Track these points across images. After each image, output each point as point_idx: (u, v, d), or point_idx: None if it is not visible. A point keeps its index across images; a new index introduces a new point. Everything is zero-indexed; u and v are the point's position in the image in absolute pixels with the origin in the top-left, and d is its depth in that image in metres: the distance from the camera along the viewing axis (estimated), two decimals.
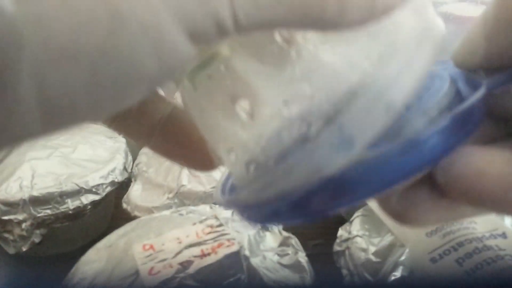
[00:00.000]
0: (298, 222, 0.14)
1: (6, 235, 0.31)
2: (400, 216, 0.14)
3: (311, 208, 0.13)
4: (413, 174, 0.11)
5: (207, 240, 0.24)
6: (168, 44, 0.09)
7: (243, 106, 0.13)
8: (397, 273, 0.22)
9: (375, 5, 0.11)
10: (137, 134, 0.15)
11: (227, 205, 0.15)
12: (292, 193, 0.12)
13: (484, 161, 0.11)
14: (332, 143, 0.11)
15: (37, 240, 0.31)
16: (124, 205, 0.32)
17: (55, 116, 0.08)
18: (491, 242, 0.22)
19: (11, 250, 0.31)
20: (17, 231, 0.31)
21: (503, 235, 0.23)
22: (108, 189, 0.33)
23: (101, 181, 0.33)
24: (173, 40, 0.09)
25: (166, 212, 0.29)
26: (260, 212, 0.14)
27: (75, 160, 0.33)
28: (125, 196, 0.33)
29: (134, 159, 0.37)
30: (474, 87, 0.13)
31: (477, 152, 0.12)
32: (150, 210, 0.31)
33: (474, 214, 0.13)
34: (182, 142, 0.15)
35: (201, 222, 0.26)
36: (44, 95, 0.08)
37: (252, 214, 0.14)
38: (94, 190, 0.32)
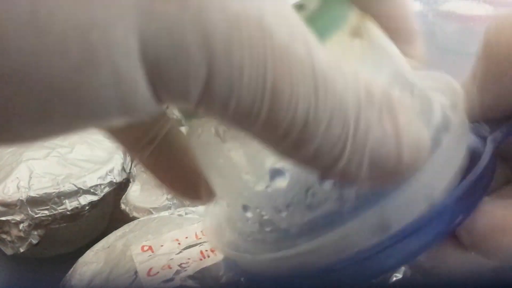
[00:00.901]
0: None
1: (3, 236, 0.31)
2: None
3: (331, 284, 0.13)
4: (436, 242, 0.12)
5: (206, 241, 0.24)
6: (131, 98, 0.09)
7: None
8: (399, 274, 0.22)
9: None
10: (128, 144, 0.14)
11: (230, 257, 0.14)
12: (314, 268, 0.12)
13: (506, 219, 0.12)
14: (370, 226, 0.11)
15: (34, 241, 0.31)
16: (123, 206, 0.32)
17: None
18: None
19: (8, 251, 0.31)
20: (14, 232, 0.31)
21: None
22: (106, 189, 0.33)
23: (99, 181, 0.32)
24: (138, 94, 0.09)
25: (165, 213, 0.29)
26: (271, 280, 0.14)
27: (73, 160, 0.33)
28: (123, 197, 0.33)
29: (132, 160, 0.37)
30: (481, 138, 0.14)
31: (498, 210, 0.12)
32: (148, 211, 0.31)
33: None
34: (174, 166, 0.14)
35: (200, 223, 0.26)
36: None
37: (257, 278, 0.14)
38: (92, 190, 0.32)
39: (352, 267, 0.12)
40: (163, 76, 0.09)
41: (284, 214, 0.13)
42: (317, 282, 0.13)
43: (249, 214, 0.14)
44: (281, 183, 0.13)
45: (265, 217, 0.13)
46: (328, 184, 0.12)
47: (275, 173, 0.12)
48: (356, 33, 0.12)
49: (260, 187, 0.13)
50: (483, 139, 0.13)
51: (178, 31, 0.08)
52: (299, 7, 0.12)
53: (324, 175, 0.11)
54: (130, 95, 0.08)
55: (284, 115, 0.09)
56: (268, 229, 0.13)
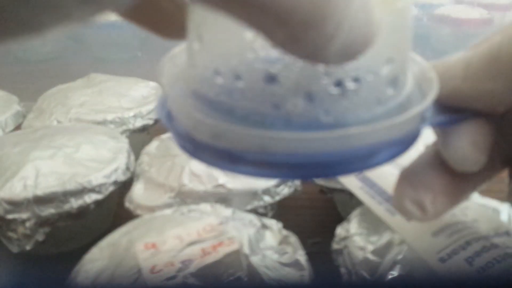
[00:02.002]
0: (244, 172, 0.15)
1: (10, 234, 0.31)
2: (417, 208, 0.16)
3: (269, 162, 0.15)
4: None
5: (207, 239, 0.24)
6: None
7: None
8: (395, 272, 0.23)
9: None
10: None
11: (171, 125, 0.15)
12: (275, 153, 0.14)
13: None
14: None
15: (40, 238, 0.31)
16: (127, 204, 0.33)
17: None
18: (497, 240, 0.22)
19: (15, 249, 0.31)
20: (21, 230, 0.31)
21: (507, 234, 0.23)
22: (111, 188, 0.33)
23: (104, 180, 0.33)
24: None
25: (168, 211, 0.29)
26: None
27: (78, 160, 0.34)
28: (127, 195, 0.33)
29: (136, 159, 0.37)
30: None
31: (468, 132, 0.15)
32: (152, 209, 0.31)
33: (472, 190, 0.17)
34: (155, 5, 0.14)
35: (201, 220, 0.26)
36: None
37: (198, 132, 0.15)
38: (97, 189, 0.32)
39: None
40: None
41: (265, 87, 0.14)
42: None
43: (219, 80, 0.15)
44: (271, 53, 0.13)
45: (240, 86, 0.14)
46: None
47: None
48: None
49: (250, 54, 0.14)
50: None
51: None
52: None
53: (306, 58, 0.11)
54: None
55: None
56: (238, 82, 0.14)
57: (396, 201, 0.17)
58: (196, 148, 0.16)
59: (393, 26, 0.15)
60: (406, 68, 0.16)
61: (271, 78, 0.14)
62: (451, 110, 0.16)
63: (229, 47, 0.15)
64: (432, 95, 0.16)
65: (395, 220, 0.25)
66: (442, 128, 0.17)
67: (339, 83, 0.14)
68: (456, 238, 0.22)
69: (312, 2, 0.09)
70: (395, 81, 0.15)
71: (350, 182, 0.29)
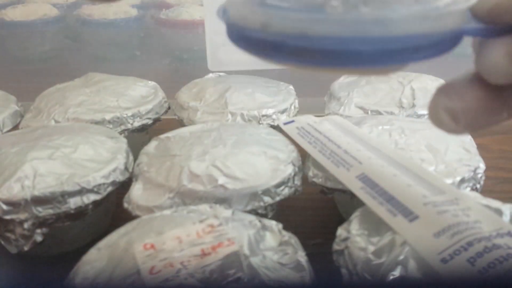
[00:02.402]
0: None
1: (8, 234, 0.31)
2: (450, 117, 0.17)
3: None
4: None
5: (207, 240, 0.24)
6: None
7: None
8: (396, 273, 0.23)
9: None
10: None
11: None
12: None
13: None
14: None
15: (38, 239, 0.31)
16: (125, 205, 0.33)
17: None
18: (499, 241, 0.22)
19: (13, 250, 0.31)
20: (18, 230, 0.31)
21: (509, 234, 0.23)
22: (110, 188, 0.33)
23: (103, 180, 0.33)
24: None
25: (167, 212, 0.29)
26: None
27: (77, 160, 0.34)
28: (126, 196, 0.33)
29: (135, 159, 0.37)
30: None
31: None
32: (151, 210, 0.31)
33: (506, 111, 0.18)
34: None
35: (201, 221, 0.26)
36: None
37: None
38: (95, 189, 0.32)
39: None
40: None
41: None
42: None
43: None
44: None
45: None
46: None
47: None
48: None
49: None
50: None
51: None
52: None
53: None
54: None
55: None
56: None
57: (430, 110, 0.18)
58: (247, 39, 0.18)
59: None
60: None
61: None
62: (492, 24, 0.17)
63: None
64: (470, 1, 0.17)
65: (397, 220, 0.25)
66: (479, 40, 0.18)
67: None
68: (458, 238, 0.22)
69: None
70: None
71: (351, 182, 0.29)
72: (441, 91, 0.18)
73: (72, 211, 0.31)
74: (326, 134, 0.36)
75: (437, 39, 0.17)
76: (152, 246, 0.24)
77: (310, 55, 0.17)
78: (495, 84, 0.17)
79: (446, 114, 0.17)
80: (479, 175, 0.33)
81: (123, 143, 0.38)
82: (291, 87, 0.50)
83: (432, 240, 0.23)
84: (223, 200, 0.31)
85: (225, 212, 0.28)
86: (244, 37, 0.19)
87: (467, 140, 0.36)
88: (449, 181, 0.31)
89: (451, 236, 0.23)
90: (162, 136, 0.39)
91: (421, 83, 0.47)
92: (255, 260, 0.23)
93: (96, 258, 0.25)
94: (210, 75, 0.54)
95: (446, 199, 0.26)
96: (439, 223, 0.24)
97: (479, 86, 0.17)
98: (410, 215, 0.25)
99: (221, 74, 0.53)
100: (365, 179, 0.29)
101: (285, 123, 0.39)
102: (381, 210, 0.26)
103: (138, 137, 0.46)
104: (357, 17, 0.16)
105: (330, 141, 0.34)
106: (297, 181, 0.34)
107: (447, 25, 0.17)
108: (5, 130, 0.44)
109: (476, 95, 0.17)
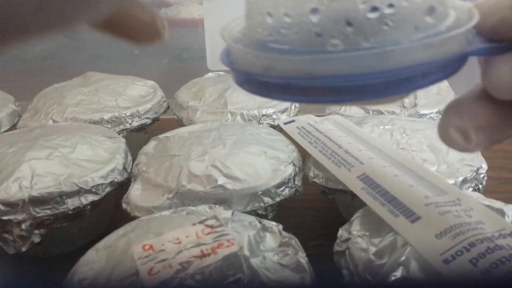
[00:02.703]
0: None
1: (5, 235, 0.31)
2: (461, 136, 0.17)
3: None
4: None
5: (207, 241, 0.24)
6: None
7: None
8: (397, 273, 0.22)
9: None
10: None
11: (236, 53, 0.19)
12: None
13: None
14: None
15: (36, 240, 0.31)
16: (124, 206, 0.32)
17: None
18: (501, 242, 0.22)
19: (10, 251, 0.31)
20: (16, 231, 0.31)
21: (511, 235, 0.23)
22: (108, 189, 0.33)
23: (101, 181, 0.32)
24: None
25: (166, 213, 0.29)
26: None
27: (75, 160, 0.33)
28: (124, 197, 0.33)
29: (133, 159, 0.37)
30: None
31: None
32: (149, 211, 0.31)
33: None
34: (126, 17, 0.16)
35: (200, 222, 0.26)
36: None
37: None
38: (93, 190, 0.32)
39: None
40: None
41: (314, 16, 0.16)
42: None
43: (270, 20, 0.17)
44: None
45: (287, 20, 0.17)
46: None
47: None
48: None
49: None
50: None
51: None
52: None
53: None
54: None
55: None
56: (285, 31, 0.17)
57: (440, 129, 0.18)
58: (251, 82, 0.19)
59: None
60: (443, 1, 0.18)
61: (314, 10, 0.17)
62: (496, 41, 0.17)
63: None
64: (472, 21, 0.17)
65: (398, 221, 0.24)
66: (485, 58, 0.18)
67: (375, 9, 0.16)
68: (460, 239, 0.22)
69: None
70: (431, 10, 0.17)
71: (352, 183, 0.29)
72: (451, 110, 0.18)
73: (70, 212, 0.31)
74: (326, 134, 0.35)
75: (442, 64, 0.17)
76: (151, 247, 0.24)
77: (315, 93, 0.17)
78: (503, 100, 0.17)
79: (457, 133, 0.17)
80: (481, 176, 0.33)
81: (121, 143, 0.37)
82: None
83: (434, 241, 0.22)
84: (223, 201, 0.30)
85: (224, 213, 0.28)
86: (249, 81, 0.19)
87: None
88: (451, 181, 0.31)
89: (453, 237, 0.22)
90: (161, 136, 0.39)
91: None
92: (255, 261, 0.23)
93: (95, 259, 0.25)
94: (210, 74, 0.53)
95: (448, 199, 0.26)
96: (441, 223, 0.23)
97: (488, 103, 0.17)
98: (412, 215, 0.24)
99: (220, 73, 0.53)
100: (367, 180, 0.28)
101: (286, 123, 0.39)
102: (382, 211, 0.25)
103: (137, 137, 0.45)
104: (359, 54, 0.16)
105: (331, 141, 0.34)
106: (298, 182, 0.34)
107: (451, 49, 0.17)
108: (2, 130, 0.44)
109: (486, 113, 0.17)
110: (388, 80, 0.16)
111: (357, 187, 0.28)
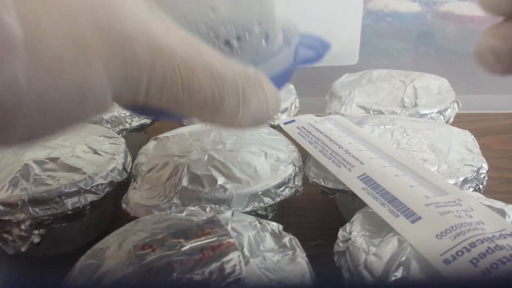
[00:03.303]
0: None
1: (5, 235, 0.31)
2: (493, 56, 0.19)
3: None
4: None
5: (206, 241, 0.24)
6: (96, 102, 0.15)
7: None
8: (398, 274, 0.22)
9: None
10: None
11: None
12: None
13: None
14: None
15: (36, 240, 0.31)
16: (123, 206, 0.32)
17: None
18: (502, 242, 0.22)
19: (10, 251, 0.31)
20: (16, 231, 0.30)
21: None
22: (108, 189, 0.33)
23: (100, 181, 0.32)
24: (101, 100, 0.15)
25: (166, 213, 0.28)
26: None
27: (74, 160, 0.33)
28: (124, 197, 0.33)
29: (133, 160, 0.37)
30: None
31: None
32: (149, 211, 0.31)
33: None
34: None
35: (200, 222, 0.26)
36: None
37: None
38: (93, 190, 0.32)
39: None
40: (120, 99, 0.16)
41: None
42: None
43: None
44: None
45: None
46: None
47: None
48: None
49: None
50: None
51: (133, 76, 0.15)
52: None
53: (226, 125, 0.18)
54: (104, 108, 0.15)
55: (198, 97, 0.16)
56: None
57: (476, 49, 0.19)
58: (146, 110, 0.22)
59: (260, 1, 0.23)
60: (274, 28, 0.24)
61: None
62: None
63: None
64: (295, 41, 0.25)
65: (399, 221, 0.24)
66: None
67: (227, 42, 0.23)
68: (461, 239, 0.22)
69: (211, 98, 0.17)
70: (266, 37, 0.24)
71: (353, 183, 0.29)
72: (488, 32, 0.19)
73: (70, 212, 0.31)
74: (327, 134, 0.35)
75: (276, 77, 0.23)
76: (151, 247, 0.24)
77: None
78: None
79: (491, 53, 0.18)
80: (482, 176, 0.32)
81: (121, 143, 0.37)
82: (292, 86, 0.50)
83: (435, 241, 0.22)
84: (223, 201, 0.30)
85: (224, 213, 0.28)
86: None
87: (470, 140, 0.36)
88: (451, 181, 0.31)
89: (454, 237, 0.22)
90: (161, 135, 0.39)
91: (424, 82, 0.47)
92: (255, 261, 0.23)
93: (94, 259, 0.25)
94: None
95: (449, 199, 0.26)
96: (441, 224, 0.23)
97: None
98: (412, 216, 0.24)
99: None
100: (367, 180, 0.28)
101: (286, 123, 0.39)
102: (383, 211, 0.25)
103: (137, 136, 0.45)
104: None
105: (331, 141, 0.34)
106: (298, 182, 0.34)
107: (282, 64, 0.24)
108: None
109: None
110: None
111: (357, 187, 0.28)
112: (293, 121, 0.39)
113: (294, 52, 0.25)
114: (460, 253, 0.21)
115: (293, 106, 0.46)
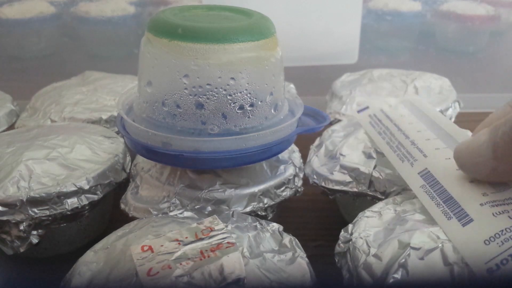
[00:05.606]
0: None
1: (3, 236, 0.31)
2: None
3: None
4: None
5: (206, 241, 0.24)
6: None
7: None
8: (397, 275, 0.22)
9: None
10: None
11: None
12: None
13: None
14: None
15: (34, 241, 0.31)
16: (122, 206, 0.32)
17: None
18: None
19: (8, 251, 0.31)
20: (14, 232, 0.30)
21: None
22: (106, 189, 0.33)
23: (100, 181, 0.32)
24: None
25: (165, 213, 0.28)
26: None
27: (73, 160, 0.33)
28: (123, 197, 0.33)
29: (132, 160, 0.37)
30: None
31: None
32: (148, 211, 0.31)
33: None
34: None
35: (200, 223, 0.26)
36: None
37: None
38: (92, 190, 0.32)
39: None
40: None
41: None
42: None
43: (165, 108, 0.28)
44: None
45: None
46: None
47: None
48: None
49: (185, 91, 0.27)
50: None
51: None
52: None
53: None
54: None
55: None
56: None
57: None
58: (149, 152, 0.28)
59: (271, 75, 0.28)
60: (282, 99, 0.30)
61: (200, 105, 0.26)
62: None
63: (171, 87, 0.27)
64: (300, 112, 0.31)
65: (450, 224, 0.23)
66: None
67: (241, 107, 0.27)
68: (508, 246, 0.21)
69: None
70: (276, 107, 0.29)
71: (412, 180, 0.28)
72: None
73: (69, 212, 0.31)
74: (396, 122, 0.34)
75: (281, 142, 0.29)
76: (150, 248, 0.24)
77: (202, 163, 0.28)
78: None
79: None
80: None
81: (120, 143, 0.37)
82: (292, 85, 0.50)
83: (482, 247, 0.21)
84: (222, 201, 0.30)
85: (224, 213, 0.27)
86: (146, 150, 0.28)
87: None
88: None
89: (502, 243, 0.21)
90: None
91: (424, 82, 0.47)
92: (255, 262, 0.23)
93: (93, 260, 0.25)
94: None
95: (509, 196, 0.24)
96: (492, 227, 0.22)
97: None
98: (464, 218, 0.23)
99: None
100: (427, 176, 0.27)
101: (359, 111, 0.37)
102: (436, 213, 0.24)
103: None
104: (231, 138, 0.27)
105: (399, 130, 0.33)
106: (298, 182, 0.34)
107: (287, 131, 0.29)
108: (0, 129, 0.44)
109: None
110: (248, 153, 0.27)
111: (416, 185, 0.27)
112: (367, 107, 0.37)
113: (297, 121, 0.30)
114: (504, 261, 0.20)
115: None
